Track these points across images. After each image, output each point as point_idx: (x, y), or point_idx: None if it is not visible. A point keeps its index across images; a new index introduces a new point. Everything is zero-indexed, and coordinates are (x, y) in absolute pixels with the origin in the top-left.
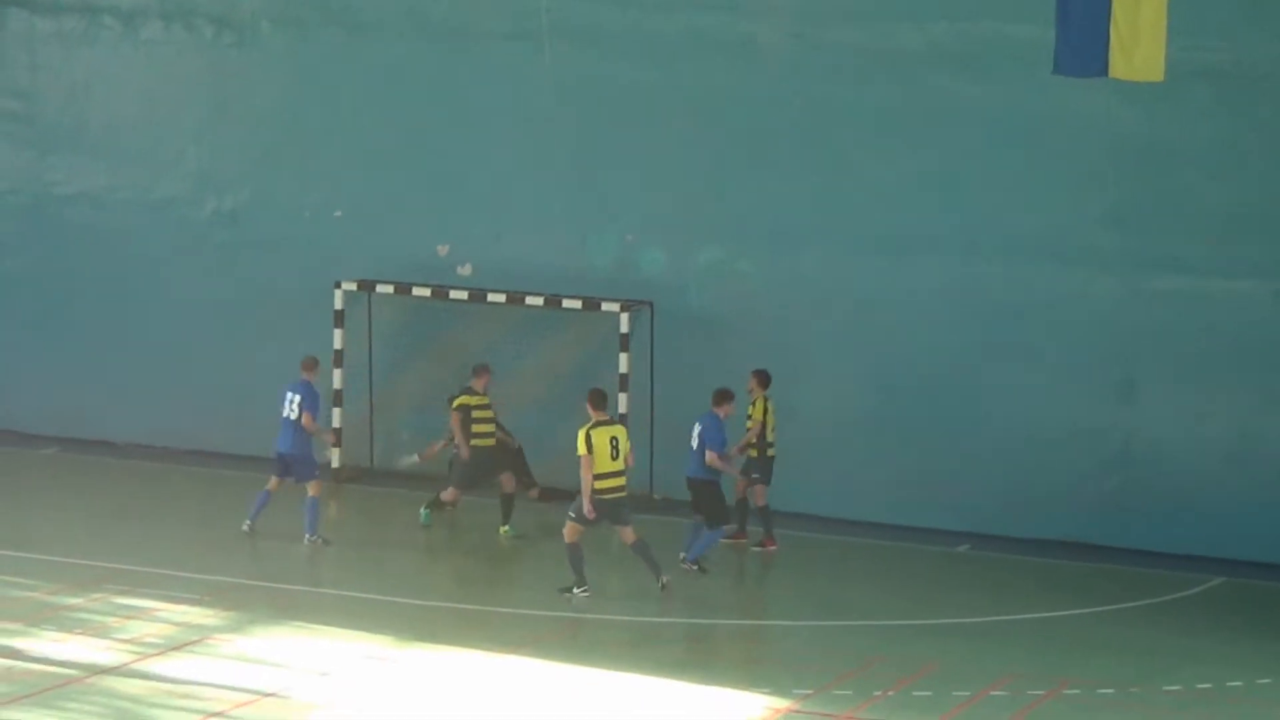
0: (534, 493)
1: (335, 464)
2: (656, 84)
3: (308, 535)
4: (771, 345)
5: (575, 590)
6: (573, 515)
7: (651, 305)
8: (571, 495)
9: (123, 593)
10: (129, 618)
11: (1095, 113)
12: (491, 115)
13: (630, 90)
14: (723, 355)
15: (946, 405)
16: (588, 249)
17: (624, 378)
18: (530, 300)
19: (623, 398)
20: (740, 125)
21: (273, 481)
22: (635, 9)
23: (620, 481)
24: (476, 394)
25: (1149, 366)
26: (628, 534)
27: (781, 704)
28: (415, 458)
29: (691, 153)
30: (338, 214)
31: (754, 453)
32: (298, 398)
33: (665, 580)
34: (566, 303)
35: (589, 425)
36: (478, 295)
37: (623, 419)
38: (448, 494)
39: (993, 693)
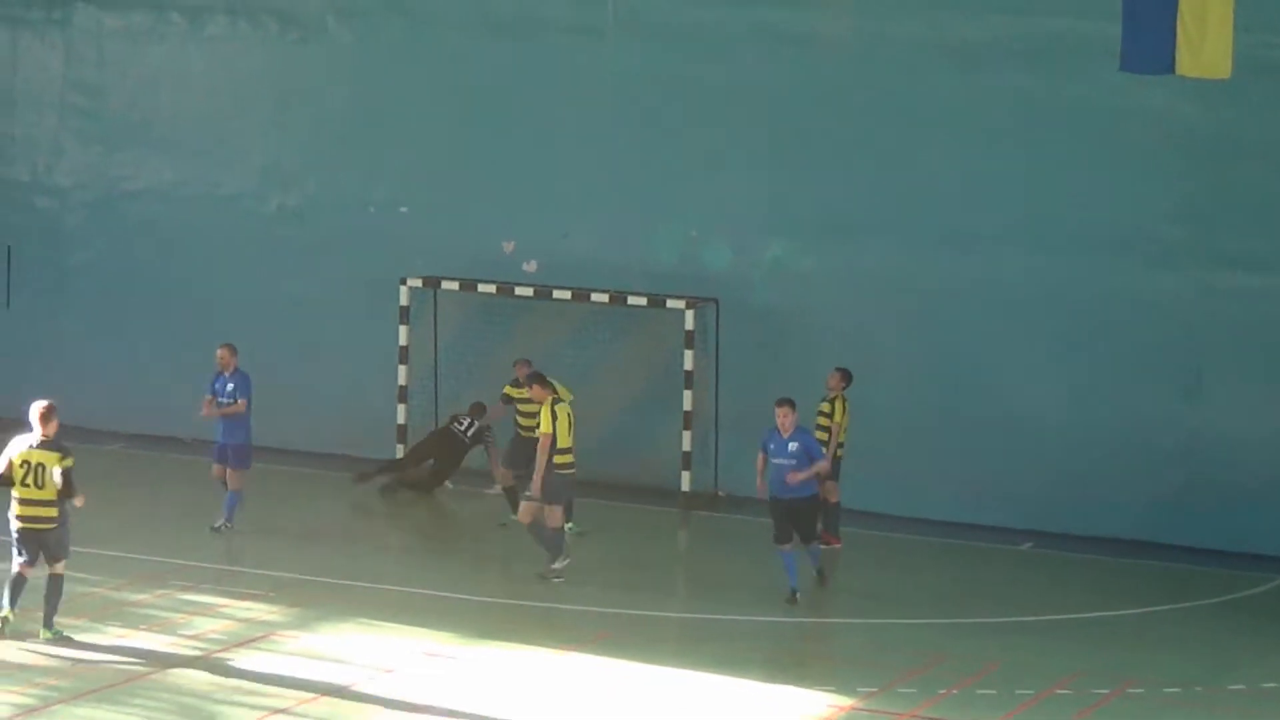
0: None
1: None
2: (720, 78)
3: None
4: (836, 342)
5: (555, 565)
6: (533, 496)
7: (717, 302)
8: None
9: (187, 589)
10: (194, 614)
11: (1161, 108)
12: (556, 109)
13: (693, 85)
14: (788, 352)
15: (1011, 402)
16: (653, 245)
17: (689, 375)
18: (595, 297)
19: (688, 395)
20: (803, 120)
21: (215, 469)
22: (698, 3)
23: (573, 458)
24: (520, 386)
25: (1215, 363)
26: (557, 515)
27: (845, 702)
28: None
29: (755, 148)
30: (403, 210)
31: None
32: (230, 386)
33: (558, 567)
34: (631, 299)
35: (551, 402)
36: (543, 292)
37: (687, 416)
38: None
39: (1057, 691)
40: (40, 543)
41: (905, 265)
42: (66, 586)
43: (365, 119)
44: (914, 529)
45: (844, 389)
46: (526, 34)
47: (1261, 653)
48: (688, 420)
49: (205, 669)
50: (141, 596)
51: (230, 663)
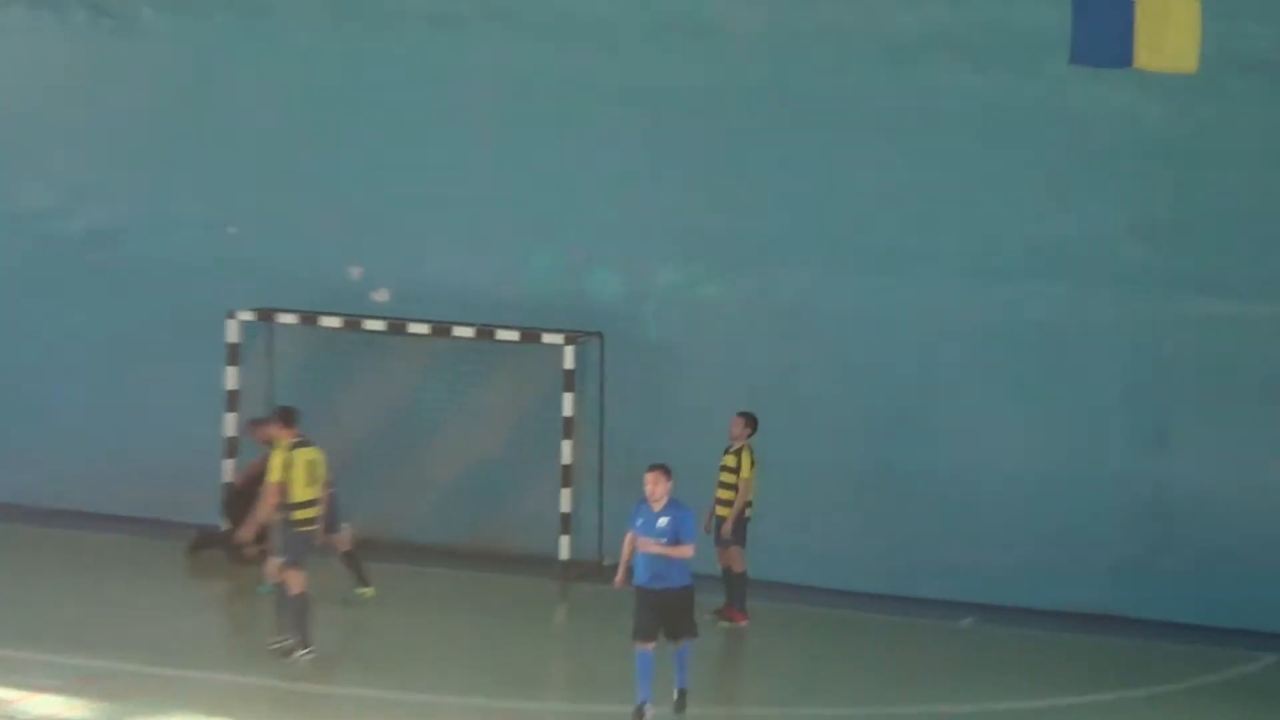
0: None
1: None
2: (608, 76)
3: None
4: (742, 383)
5: (301, 651)
6: (287, 560)
7: (601, 336)
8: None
9: None
10: None
11: (1123, 108)
12: (412, 113)
13: (576, 83)
14: (685, 395)
15: (946, 452)
16: (527, 270)
17: (568, 422)
18: (458, 331)
19: (566, 445)
20: (706, 125)
21: None
22: None
23: (317, 513)
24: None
25: (1184, 404)
26: (300, 580)
27: None
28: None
29: (649, 157)
30: (232, 230)
31: (726, 511)
32: None
33: (291, 646)
34: (501, 334)
35: (287, 445)
36: (397, 325)
37: (566, 471)
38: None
39: None
40: None
41: (826, 292)
42: None
43: (189, 125)
44: (835, 602)
45: (749, 437)
46: (378, 24)
47: None
48: (567, 476)
49: None
50: None
51: None
